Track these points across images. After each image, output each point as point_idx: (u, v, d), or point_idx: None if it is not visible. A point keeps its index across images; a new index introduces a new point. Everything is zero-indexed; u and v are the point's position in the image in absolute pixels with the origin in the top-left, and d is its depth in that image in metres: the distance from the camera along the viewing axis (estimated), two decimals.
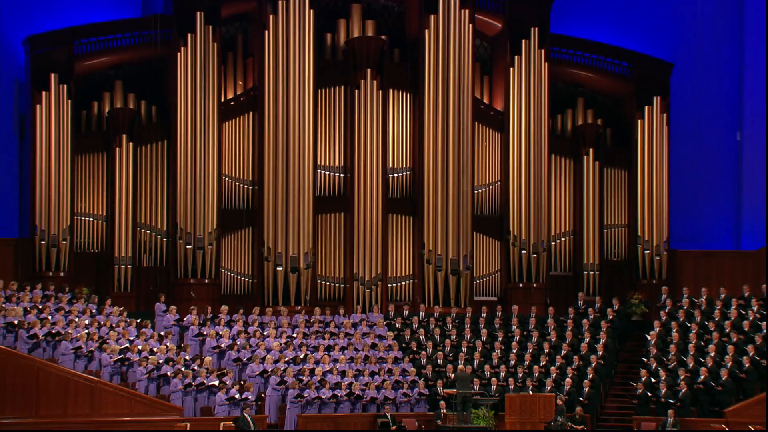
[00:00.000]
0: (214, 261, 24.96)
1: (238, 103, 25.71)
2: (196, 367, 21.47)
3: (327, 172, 25.93)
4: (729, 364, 21.62)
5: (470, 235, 25.91)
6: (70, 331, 21.06)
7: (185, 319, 23.19)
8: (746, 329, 22.63)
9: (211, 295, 24.80)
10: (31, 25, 25.06)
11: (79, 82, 24.97)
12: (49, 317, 21.40)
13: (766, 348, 21.88)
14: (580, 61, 27.08)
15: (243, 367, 22.36)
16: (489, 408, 21.67)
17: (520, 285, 26.13)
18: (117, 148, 24.83)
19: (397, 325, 24.56)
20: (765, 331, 22.27)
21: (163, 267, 25.10)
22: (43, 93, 24.31)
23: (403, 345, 24.02)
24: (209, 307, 23.67)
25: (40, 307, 21.76)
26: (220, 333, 22.83)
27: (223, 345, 22.57)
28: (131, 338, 21.82)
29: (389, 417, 21.61)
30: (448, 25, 25.80)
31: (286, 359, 22.44)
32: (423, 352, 23.72)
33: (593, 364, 23.04)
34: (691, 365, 22.02)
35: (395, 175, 26.12)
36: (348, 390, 22.04)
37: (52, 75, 24.31)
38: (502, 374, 23.11)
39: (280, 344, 22.89)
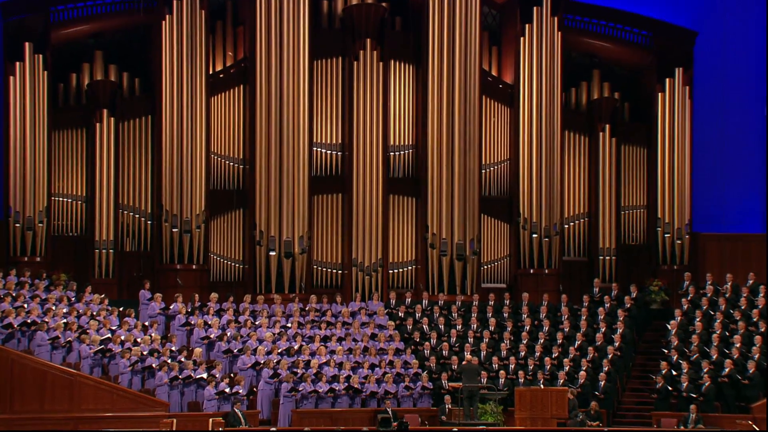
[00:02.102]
0: (202, 245, 24.95)
1: (227, 75, 25.67)
2: (183, 359, 21.44)
3: (323, 150, 25.87)
4: (756, 356, 21.54)
5: (477, 217, 25.87)
6: (47, 321, 21.04)
7: (171, 307, 23.17)
8: None
9: (199, 281, 24.80)
10: None
11: (56, 52, 24.89)
12: (25, 305, 21.35)
13: None
14: (596, 29, 27.02)
15: (233, 359, 22.33)
16: (497, 403, 21.74)
17: (531, 271, 26.08)
18: (97, 124, 24.77)
19: (399, 314, 24.56)
20: None
21: (148, 252, 25.10)
22: (17, 64, 24.24)
23: (405, 335, 24.00)
24: (197, 295, 23.68)
25: (15, 294, 21.71)
26: (209, 322, 22.80)
27: (212, 335, 22.55)
28: (113, 328, 21.78)
29: (390, 412, 21.57)
30: None
31: (279, 350, 22.42)
32: (426, 343, 23.69)
33: (609, 356, 23.00)
34: (715, 357, 21.96)
35: (397, 153, 26.08)
36: (346, 383, 22.00)
37: (27, 44, 24.23)
38: (512, 367, 23.09)
39: (273, 334, 22.86)
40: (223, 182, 25.52)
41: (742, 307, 23.06)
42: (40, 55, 24.24)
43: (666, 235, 26.56)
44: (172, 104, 24.81)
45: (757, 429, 20.05)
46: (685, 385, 21.50)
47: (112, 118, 24.76)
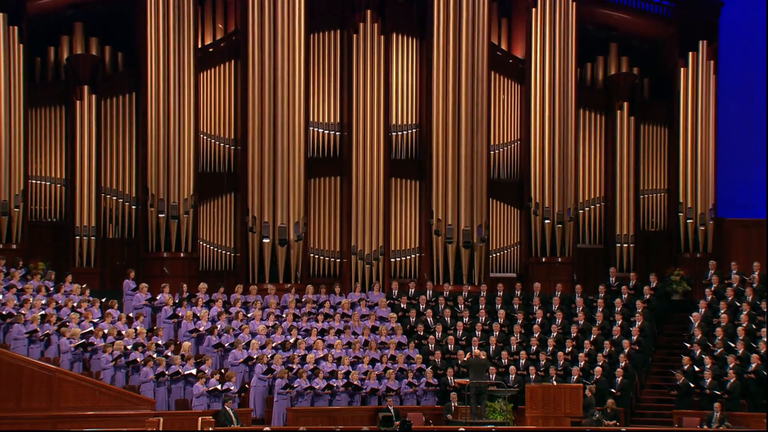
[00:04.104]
0: (190, 232, 24.96)
1: (217, 49, 25.67)
2: (170, 354, 21.47)
3: (321, 130, 25.89)
4: None
5: (485, 202, 25.89)
6: (23, 313, 21.02)
7: (158, 298, 23.22)
8: None
9: (188, 270, 24.82)
10: None
11: (33, 23, 24.78)
12: (0, 296, 21.23)
13: None
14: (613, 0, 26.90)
15: (224, 354, 22.39)
16: (507, 400, 21.77)
17: (543, 259, 26.10)
18: (77, 102, 24.74)
19: (402, 306, 24.58)
20: None
21: (132, 239, 25.13)
22: None
23: (408, 327, 23.94)
24: (185, 285, 23.72)
25: None
26: (198, 314, 22.85)
27: (201, 328, 22.60)
28: (95, 320, 21.81)
29: (392, 410, 21.60)
30: None
31: (273, 345, 22.46)
32: (431, 337, 23.70)
33: (627, 350, 23.03)
34: (740, 351, 21.98)
35: (399, 133, 26.09)
36: (345, 380, 22.05)
37: (1, 15, 24.12)
38: (522, 362, 23.12)
39: (267, 327, 22.91)
40: (213, 164, 25.50)
41: None
42: (16, 27, 24.12)
43: (688, 221, 26.50)
44: (157, 80, 24.76)
45: None
46: (708, 381, 21.50)
47: (94, 96, 24.69)
